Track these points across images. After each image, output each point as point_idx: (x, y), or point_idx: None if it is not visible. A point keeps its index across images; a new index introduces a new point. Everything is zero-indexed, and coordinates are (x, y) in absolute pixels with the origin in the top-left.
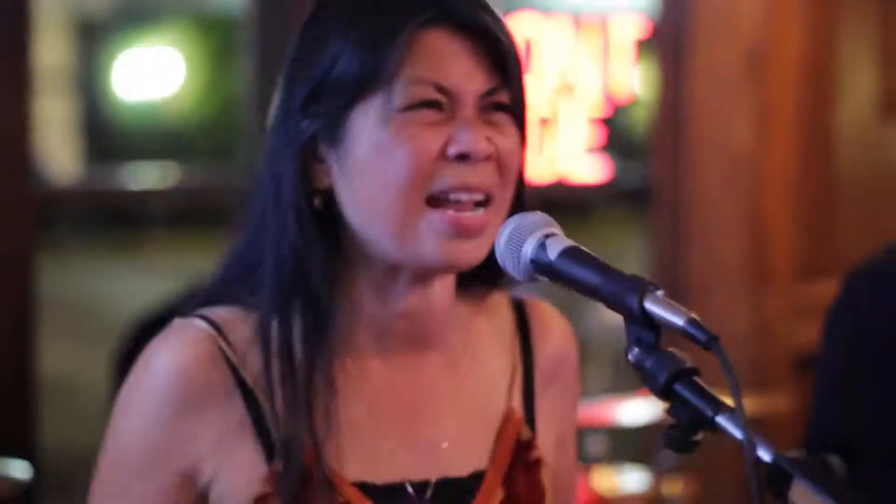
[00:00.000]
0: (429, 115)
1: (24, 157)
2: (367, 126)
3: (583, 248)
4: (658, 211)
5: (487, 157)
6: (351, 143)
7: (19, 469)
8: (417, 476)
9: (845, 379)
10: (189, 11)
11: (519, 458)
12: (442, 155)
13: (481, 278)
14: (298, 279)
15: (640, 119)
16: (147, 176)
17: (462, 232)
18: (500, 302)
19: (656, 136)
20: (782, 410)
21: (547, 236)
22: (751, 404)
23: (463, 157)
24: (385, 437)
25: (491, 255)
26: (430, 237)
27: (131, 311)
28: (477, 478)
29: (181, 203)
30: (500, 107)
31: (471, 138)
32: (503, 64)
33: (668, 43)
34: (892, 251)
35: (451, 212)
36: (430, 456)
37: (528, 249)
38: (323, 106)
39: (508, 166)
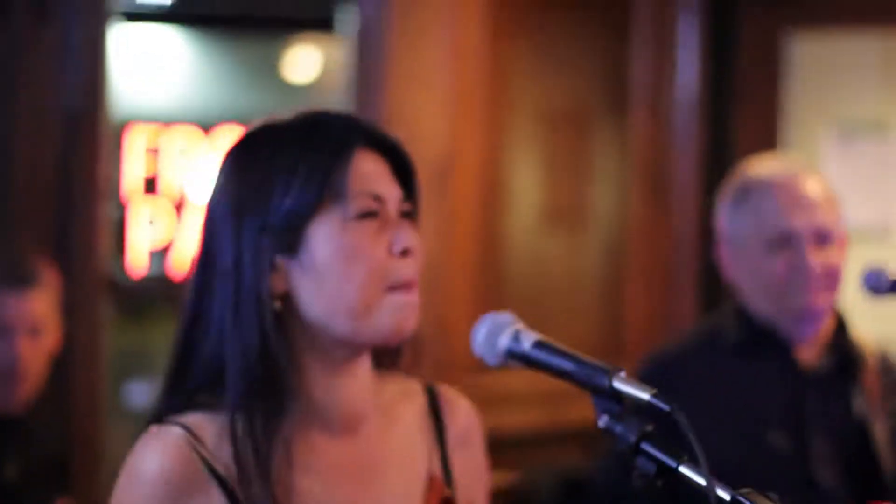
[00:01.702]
0: (372, 224)
1: None
2: (325, 235)
3: (548, 339)
4: None
5: (414, 252)
6: (312, 251)
7: None
8: None
9: None
10: None
11: None
12: (389, 253)
13: (388, 363)
14: (263, 373)
15: None
16: None
17: (411, 309)
18: (415, 387)
19: None
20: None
21: (518, 331)
22: None
23: (404, 253)
24: (337, 501)
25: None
26: (388, 315)
27: None
28: None
29: None
30: (405, 214)
31: (407, 237)
32: (409, 177)
33: None
34: (679, 344)
35: (401, 295)
36: None
37: (504, 341)
38: (280, 226)
39: (420, 259)
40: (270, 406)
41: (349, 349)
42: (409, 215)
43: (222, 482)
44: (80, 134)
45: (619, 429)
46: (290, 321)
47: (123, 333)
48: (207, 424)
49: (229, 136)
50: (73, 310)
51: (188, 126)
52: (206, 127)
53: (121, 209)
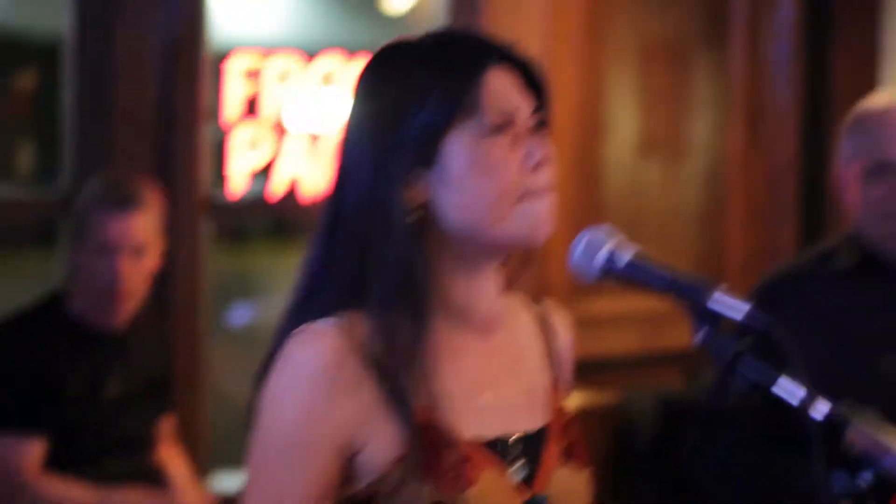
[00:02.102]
0: (505, 138)
1: None
2: (460, 149)
3: (646, 254)
4: None
5: (548, 163)
6: (448, 164)
7: None
8: (509, 430)
9: None
10: None
11: (563, 417)
12: (522, 167)
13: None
14: (403, 281)
15: None
16: None
17: (545, 215)
18: (524, 300)
19: None
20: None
21: (615, 247)
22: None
23: (538, 165)
24: (482, 400)
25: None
26: (522, 220)
27: None
28: (543, 431)
29: None
30: (537, 124)
31: (539, 150)
32: (539, 89)
33: None
34: (792, 265)
35: (534, 202)
36: (513, 414)
37: (602, 257)
38: (417, 140)
39: (553, 170)
40: (413, 310)
41: (485, 254)
42: (542, 125)
43: (375, 379)
44: (181, 58)
45: (715, 345)
46: (430, 229)
47: (222, 256)
48: (359, 321)
49: (330, 63)
50: (174, 231)
51: (289, 52)
52: (307, 53)
53: (221, 133)
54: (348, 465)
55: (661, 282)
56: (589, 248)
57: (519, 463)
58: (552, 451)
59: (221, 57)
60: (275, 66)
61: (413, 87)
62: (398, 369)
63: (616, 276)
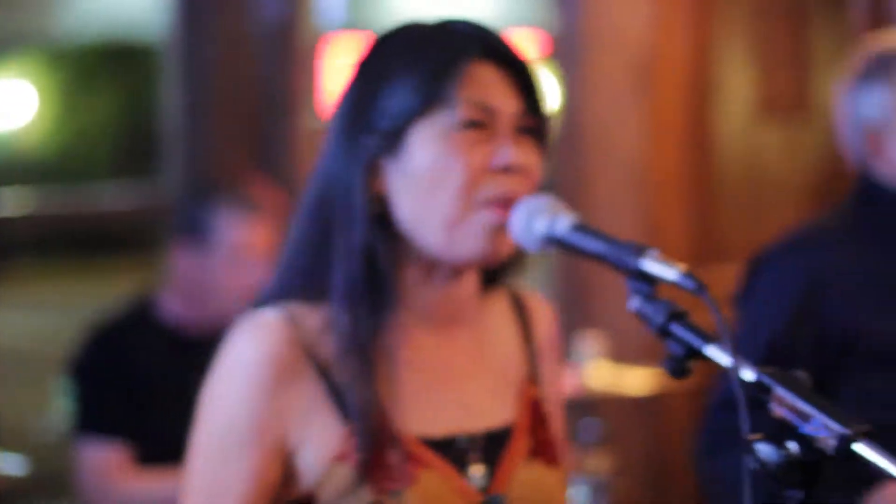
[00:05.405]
0: (476, 134)
1: None
2: (426, 141)
3: (586, 222)
4: None
5: (520, 170)
6: (410, 156)
7: (14, 464)
8: (465, 429)
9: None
10: (41, 44)
11: (536, 413)
12: (487, 167)
13: (489, 279)
14: (366, 272)
15: None
16: (4, 203)
17: (501, 230)
18: (501, 293)
19: (558, 145)
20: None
21: (556, 214)
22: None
23: (504, 169)
24: (437, 397)
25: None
26: (476, 234)
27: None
28: (508, 429)
29: (43, 230)
30: (525, 130)
31: (511, 153)
32: (530, 91)
33: (564, 56)
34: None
35: (492, 213)
36: (472, 412)
37: (541, 225)
38: (385, 125)
39: (532, 179)
40: (374, 304)
41: (441, 265)
42: (534, 133)
43: (322, 371)
44: (281, 46)
45: (648, 310)
46: (392, 225)
47: None
48: (308, 314)
49: None
50: None
51: None
52: None
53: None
54: (289, 465)
55: (598, 247)
56: (528, 218)
57: (475, 462)
58: (516, 449)
59: (319, 40)
60: None
61: (391, 71)
62: (345, 365)
63: (556, 244)
